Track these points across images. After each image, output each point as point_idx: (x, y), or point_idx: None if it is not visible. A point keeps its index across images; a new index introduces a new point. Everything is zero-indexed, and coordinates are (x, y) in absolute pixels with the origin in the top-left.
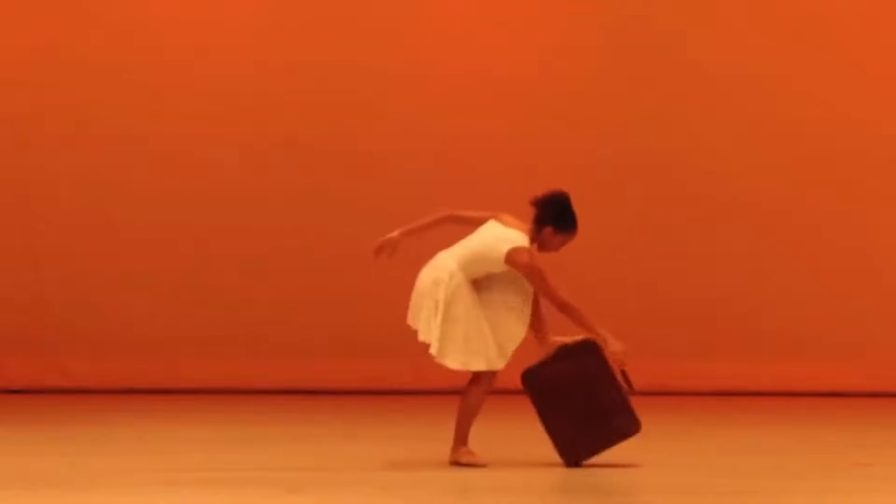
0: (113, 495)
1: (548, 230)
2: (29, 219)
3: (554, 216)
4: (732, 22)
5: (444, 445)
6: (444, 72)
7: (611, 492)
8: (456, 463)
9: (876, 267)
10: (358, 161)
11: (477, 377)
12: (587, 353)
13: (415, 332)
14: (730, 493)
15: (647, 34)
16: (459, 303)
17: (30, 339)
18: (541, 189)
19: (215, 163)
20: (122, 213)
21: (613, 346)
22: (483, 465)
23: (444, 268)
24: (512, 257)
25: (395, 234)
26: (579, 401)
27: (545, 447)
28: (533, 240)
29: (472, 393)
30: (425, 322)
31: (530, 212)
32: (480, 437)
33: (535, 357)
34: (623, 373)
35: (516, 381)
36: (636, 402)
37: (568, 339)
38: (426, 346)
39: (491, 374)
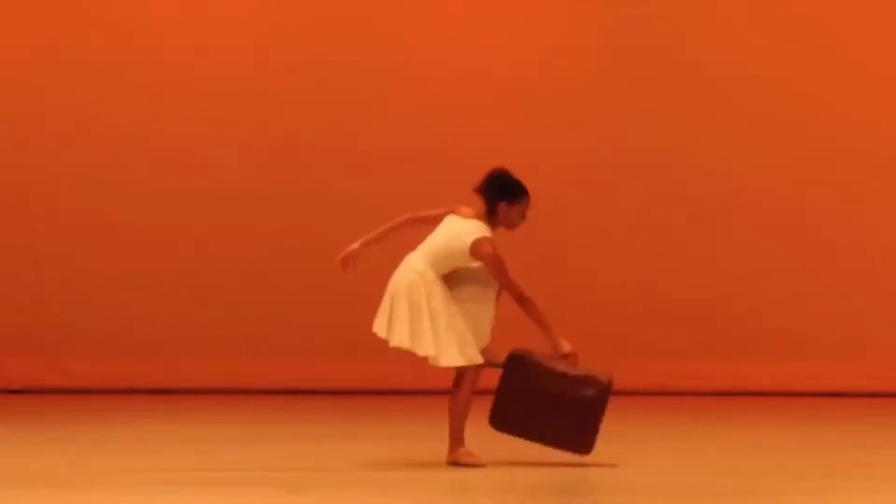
0: (113, 495)
1: (502, 206)
2: (29, 219)
3: (500, 191)
4: (732, 22)
5: (444, 445)
6: (444, 72)
7: (611, 492)
8: (455, 463)
9: (876, 267)
10: (358, 161)
11: (461, 376)
12: (515, 368)
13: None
14: (730, 493)
15: (647, 34)
16: (437, 299)
17: (30, 339)
18: (540, 189)
19: (215, 163)
20: (122, 213)
21: (563, 349)
22: (482, 465)
23: (413, 268)
24: (476, 248)
25: (356, 245)
26: (544, 405)
27: (544, 447)
28: (494, 224)
29: (459, 393)
30: (400, 326)
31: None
32: (479, 437)
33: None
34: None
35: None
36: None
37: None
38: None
39: (475, 371)
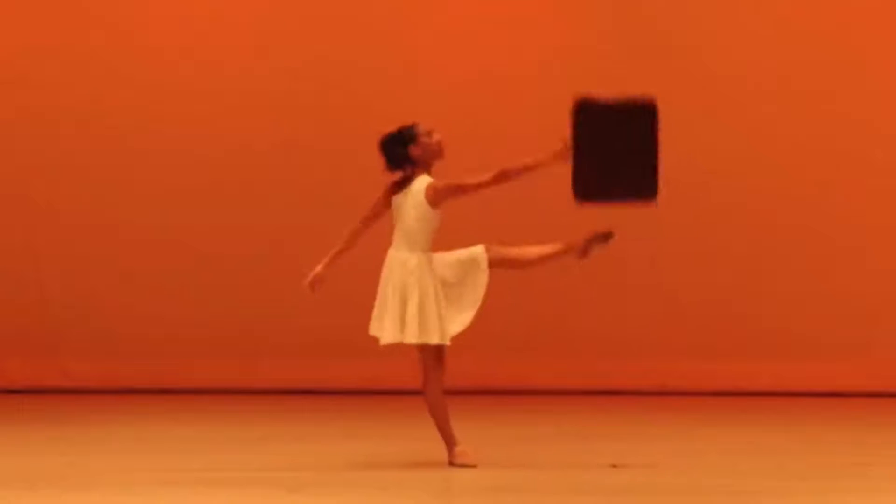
0: (112, 495)
1: (413, 152)
2: (29, 219)
3: (399, 147)
4: (732, 22)
5: (443, 445)
6: (443, 72)
7: (611, 492)
8: (453, 464)
9: (876, 267)
10: (359, 162)
11: (425, 376)
12: (643, 112)
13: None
14: (730, 493)
15: (648, 33)
16: (423, 283)
17: (30, 340)
18: (540, 189)
19: (215, 163)
20: (122, 213)
21: (556, 149)
22: (473, 466)
23: (397, 262)
24: (430, 192)
25: (319, 268)
26: (618, 147)
27: (544, 446)
28: (428, 171)
29: (427, 393)
30: (392, 323)
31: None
32: (480, 437)
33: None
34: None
35: (513, 382)
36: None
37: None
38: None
39: (435, 365)
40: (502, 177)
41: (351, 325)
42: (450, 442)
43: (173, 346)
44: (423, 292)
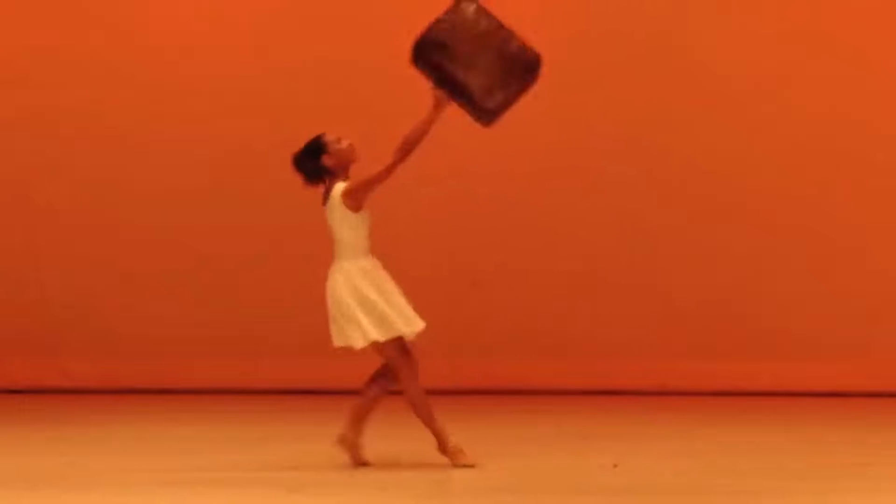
0: (112, 495)
1: (326, 162)
2: (29, 219)
3: (312, 159)
4: (732, 22)
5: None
6: None
7: (611, 492)
8: (455, 465)
9: (876, 267)
10: (360, 162)
11: (394, 372)
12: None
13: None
14: (730, 493)
15: (648, 33)
16: (359, 286)
17: (30, 340)
18: (541, 189)
19: (215, 163)
20: (122, 213)
21: (438, 105)
22: (471, 465)
23: (331, 273)
24: (344, 195)
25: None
26: (474, 53)
27: (544, 446)
28: (343, 179)
29: (405, 391)
30: (341, 329)
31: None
32: (480, 437)
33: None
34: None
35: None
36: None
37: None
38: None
39: (399, 357)
40: (405, 147)
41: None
42: (441, 436)
43: (173, 346)
44: (342, 296)
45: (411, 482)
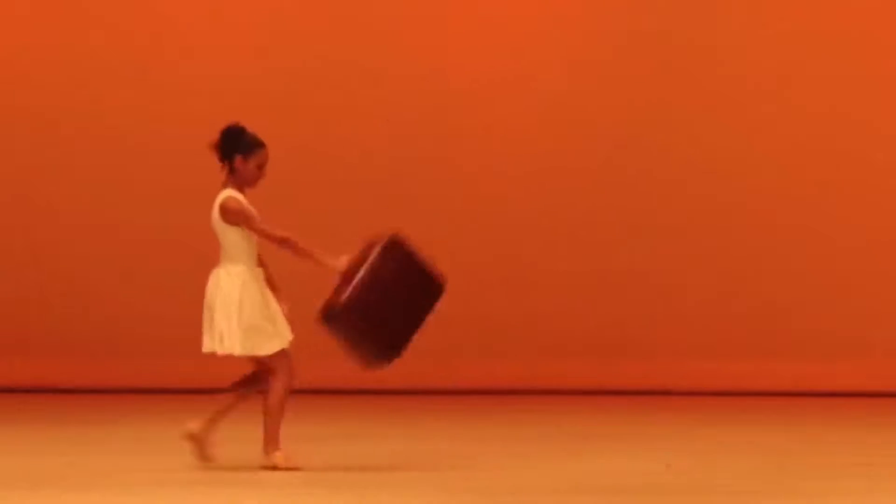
0: (112, 495)
1: (238, 161)
2: (29, 218)
3: (234, 146)
4: (732, 22)
5: (444, 445)
6: (448, 75)
7: (611, 491)
8: (274, 468)
9: (876, 267)
10: (362, 161)
11: (273, 371)
12: (433, 288)
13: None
14: (730, 493)
15: (651, 34)
16: (232, 292)
17: (29, 339)
18: (542, 189)
19: (215, 163)
20: (122, 212)
21: (339, 266)
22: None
23: (214, 276)
24: (223, 209)
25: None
26: (394, 298)
27: (545, 447)
28: (239, 185)
29: (275, 391)
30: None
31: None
32: (481, 437)
33: None
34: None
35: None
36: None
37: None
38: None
39: (282, 361)
40: (284, 244)
41: None
42: (274, 443)
43: (173, 346)
44: (226, 303)
45: (412, 482)
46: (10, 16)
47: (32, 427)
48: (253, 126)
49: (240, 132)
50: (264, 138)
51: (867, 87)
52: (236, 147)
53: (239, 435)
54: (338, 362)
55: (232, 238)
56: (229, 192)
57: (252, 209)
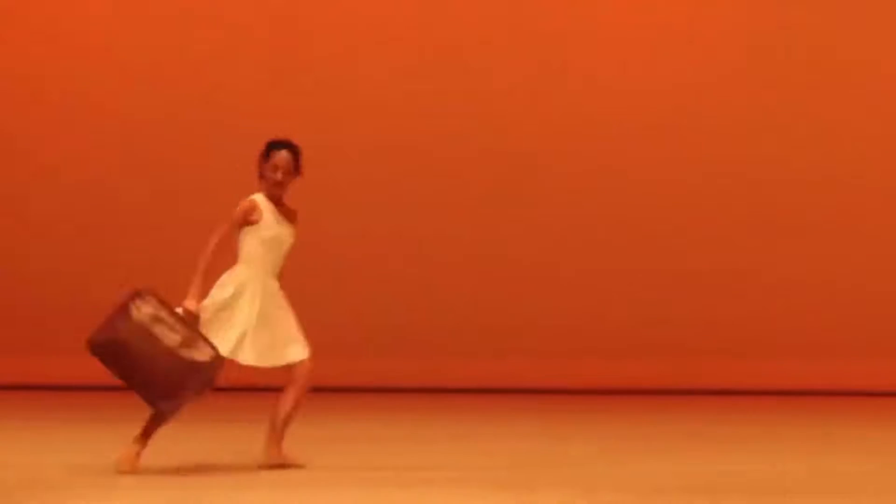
0: (113, 495)
1: (260, 166)
2: (29, 218)
3: (262, 154)
4: (732, 22)
5: (446, 444)
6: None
7: (612, 490)
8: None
9: (877, 267)
10: (359, 161)
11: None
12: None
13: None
14: (731, 493)
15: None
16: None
17: (29, 340)
18: (544, 189)
19: (216, 163)
20: (121, 212)
21: (188, 306)
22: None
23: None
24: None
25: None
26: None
27: (544, 447)
28: (265, 189)
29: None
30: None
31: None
32: (483, 435)
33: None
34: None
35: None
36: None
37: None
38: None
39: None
40: (203, 252)
41: (352, 325)
42: (144, 443)
43: None
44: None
45: (412, 482)
46: (13, 15)
47: (33, 426)
48: (252, 126)
49: (268, 142)
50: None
51: (870, 87)
52: (261, 155)
53: (242, 435)
54: (337, 362)
55: (242, 239)
56: (251, 196)
57: (239, 216)
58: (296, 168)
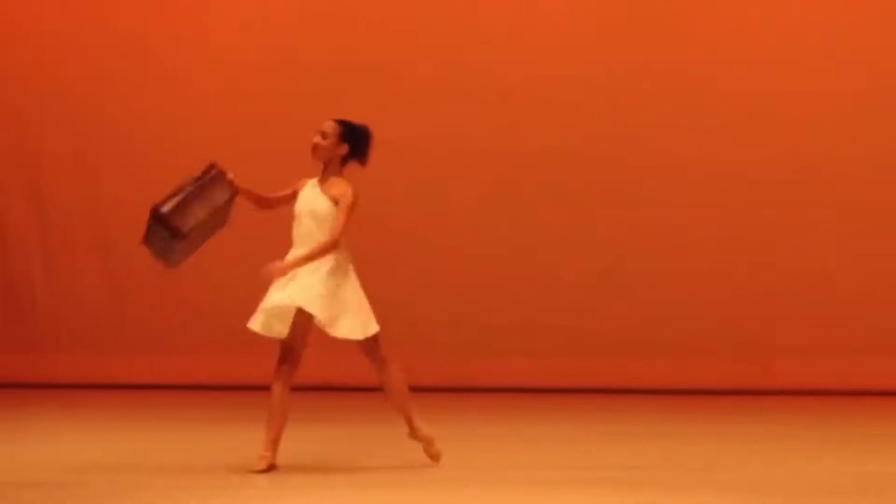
0: (112, 495)
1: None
2: (29, 218)
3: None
4: (730, 22)
5: (450, 443)
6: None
7: (611, 491)
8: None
9: (877, 267)
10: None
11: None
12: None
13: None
14: (730, 492)
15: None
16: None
17: (29, 338)
18: (544, 189)
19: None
20: (121, 212)
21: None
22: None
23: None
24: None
25: (284, 264)
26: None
27: (545, 447)
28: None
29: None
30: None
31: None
32: (489, 435)
33: None
34: None
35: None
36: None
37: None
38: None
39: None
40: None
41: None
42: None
43: (172, 345)
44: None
45: (413, 482)
46: (14, 16)
47: (32, 426)
48: (252, 125)
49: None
50: (263, 137)
51: (871, 88)
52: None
53: (245, 435)
54: (334, 362)
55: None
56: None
57: (287, 191)
58: (328, 137)
